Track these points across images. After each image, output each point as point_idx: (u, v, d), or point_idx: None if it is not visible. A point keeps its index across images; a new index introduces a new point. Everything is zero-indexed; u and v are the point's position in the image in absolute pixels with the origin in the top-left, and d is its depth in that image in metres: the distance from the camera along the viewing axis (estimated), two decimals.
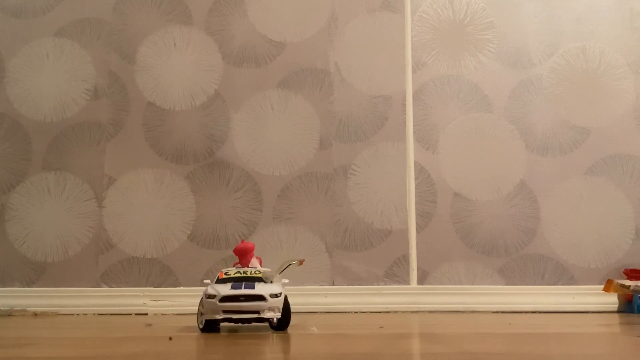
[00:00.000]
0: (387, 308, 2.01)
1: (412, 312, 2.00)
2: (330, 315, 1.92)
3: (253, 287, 1.39)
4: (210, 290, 1.40)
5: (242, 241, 1.63)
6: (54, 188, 2.13)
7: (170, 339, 1.29)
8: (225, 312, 1.37)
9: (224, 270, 1.50)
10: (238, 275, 1.46)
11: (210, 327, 1.41)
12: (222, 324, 1.45)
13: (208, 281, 1.48)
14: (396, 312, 2.00)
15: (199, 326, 1.43)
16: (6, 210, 2.12)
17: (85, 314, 2.00)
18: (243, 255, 1.53)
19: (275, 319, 1.40)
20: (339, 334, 1.38)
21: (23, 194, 2.13)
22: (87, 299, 2.03)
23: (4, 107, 2.18)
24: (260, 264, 1.56)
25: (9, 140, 2.16)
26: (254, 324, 1.44)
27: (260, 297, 1.38)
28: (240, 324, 1.48)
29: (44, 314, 1.98)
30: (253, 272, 1.46)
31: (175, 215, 2.11)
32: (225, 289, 1.39)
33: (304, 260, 1.52)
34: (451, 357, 1.02)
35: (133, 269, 2.08)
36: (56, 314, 1.99)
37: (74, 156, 2.15)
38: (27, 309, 2.01)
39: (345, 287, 2.05)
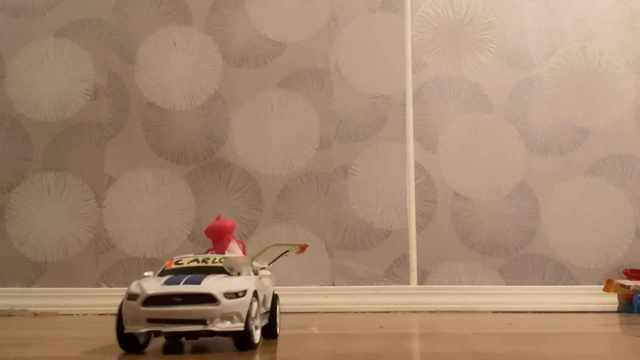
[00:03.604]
0: (387, 308, 2.01)
1: (412, 312, 2.00)
2: (330, 315, 1.92)
3: (198, 283, 0.96)
4: (134, 288, 0.98)
5: (218, 218, 1.18)
6: (54, 188, 2.13)
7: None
8: (150, 321, 0.94)
9: (176, 258, 1.09)
10: (194, 264, 1.03)
11: (128, 342, 1.00)
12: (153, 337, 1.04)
13: (150, 273, 1.07)
14: (396, 312, 2.00)
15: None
16: (6, 210, 2.12)
17: (85, 314, 1.99)
18: (218, 236, 1.13)
19: (233, 332, 0.95)
20: (339, 334, 1.38)
21: (23, 194, 2.13)
22: (87, 299, 2.03)
23: (4, 107, 2.18)
24: (244, 251, 1.19)
25: (9, 140, 2.16)
26: (201, 338, 1.00)
27: (208, 298, 0.94)
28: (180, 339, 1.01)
29: (44, 314, 1.98)
30: (216, 260, 1.05)
31: (175, 215, 2.11)
32: (154, 286, 0.96)
33: (307, 246, 1.16)
34: (451, 357, 1.02)
35: (133, 269, 2.08)
36: (56, 314, 1.99)
37: (74, 156, 2.14)
38: (27, 308, 2.00)
39: (345, 287, 2.05)
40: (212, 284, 0.95)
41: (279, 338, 1.24)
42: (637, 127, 2.15)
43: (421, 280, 2.06)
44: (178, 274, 1.01)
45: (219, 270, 1.02)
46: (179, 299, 0.92)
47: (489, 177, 2.12)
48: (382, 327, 1.53)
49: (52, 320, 1.81)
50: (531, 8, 2.21)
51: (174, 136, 2.16)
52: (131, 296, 0.97)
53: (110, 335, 1.41)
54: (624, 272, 2.04)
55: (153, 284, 0.96)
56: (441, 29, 2.21)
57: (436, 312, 1.99)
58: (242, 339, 0.97)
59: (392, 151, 2.14)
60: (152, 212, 2.11)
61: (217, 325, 0.93)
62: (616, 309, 1.98)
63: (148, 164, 2.14)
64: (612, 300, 1.99)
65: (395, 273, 2.07)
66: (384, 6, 2.21)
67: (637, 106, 2.16)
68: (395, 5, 2.21)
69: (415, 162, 2.13)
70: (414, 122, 2.15)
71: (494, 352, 1.07)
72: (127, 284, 2.02)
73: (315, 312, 1.97)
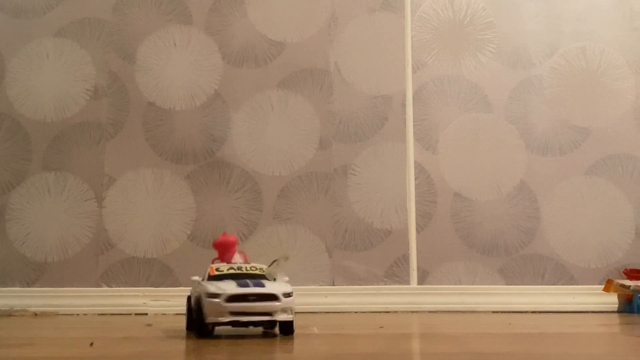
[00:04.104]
0: (387, 308, 2.01)
1: (412, 312, 2.00)
2: (330, 315, 1.92)
3: (262, 285, 1.25)
4: (212, 289, 1.24)
5: (224, 233, 1.46)
6: (54, 188, 2.13)
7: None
8: (232, 313, 1.22)
9: (215, 266, 1.33)
10: (232, 272, 1.30)
11: (205, 330, 1.26)
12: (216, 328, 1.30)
13: (197, 278, 1.33)
14: (396, 312, 2.00)
15: (188, 328, 1.30)
16: (6, 210, 2.12)
17: (85, 314, 2.00)
18: (225, 249, 1.38)
19: (287, 321, 1.27)
20: (339, 334, 1.38)
21: (23, 194, 2.13)
22: (87, 299, 2.03)
23: (4, 107, 2.18)
24: (246, 259, 1.42)
25: (9, 140, 2.16)
26: (255, 328, 1.30)
27: (273, 297, 1.24)
28: (245, 328, 1.30)
29: (44, 314, 1.98)
30: (249, 269, 1.32)
31: (175, 215, 2.11)
32: (231, 287, 1.24)
33: (288, 257, 1.40)
34: (451, 357, 1.02)
35: (133, 269, 2.08)
36: (56, 314, 1.99)
37: (74, 156, 2.14)
38: (27, 309, 2.00)
39: (345, 287, 2.05)
40: (272, 287, 1.25)
41: (279, 338, 1.26)
42: (637, 127, 2.15)
43: (421, 280, 2.06)
44: (227, 279, 1.27)
45: (258, 276, 1.30)
46: (253, 297, 1.22)
47: (489, 177, 2.12)
48: (382, 327, 1.53)
49: (52, 320, 1.81)
50: (531, 8, 2.21)
51: (174, 136, 2.16)
52: (213, 295, 1.22)
53: (110, 335, 1.41)
54: (624, 272, 2.04)
55: (230, 286, 1.23)
56: (441, 29, 2.21)
57: (436, 312, 1.99)
58: (289, 327, 1.27)
59: (392, 151, 2.14)
60: (152, 212, 2.11)
61: (279, 316, 1.24)
62: (616, 309, 1.98)
63: (148, 164, 2.14)
64: (612, 300, 1.99)
65: (395, 273, 2.07)
66: (384, 6, 2.21)
67: (637, 106, 2.16)
68: (395, 5, 2.21)
69: (415, 162, 2.13)
70: (414, 122, 2.15)
71: (494, 352, 1.07)
72: (127, 283, 2.05)
73: (315, 312, 1.97)
